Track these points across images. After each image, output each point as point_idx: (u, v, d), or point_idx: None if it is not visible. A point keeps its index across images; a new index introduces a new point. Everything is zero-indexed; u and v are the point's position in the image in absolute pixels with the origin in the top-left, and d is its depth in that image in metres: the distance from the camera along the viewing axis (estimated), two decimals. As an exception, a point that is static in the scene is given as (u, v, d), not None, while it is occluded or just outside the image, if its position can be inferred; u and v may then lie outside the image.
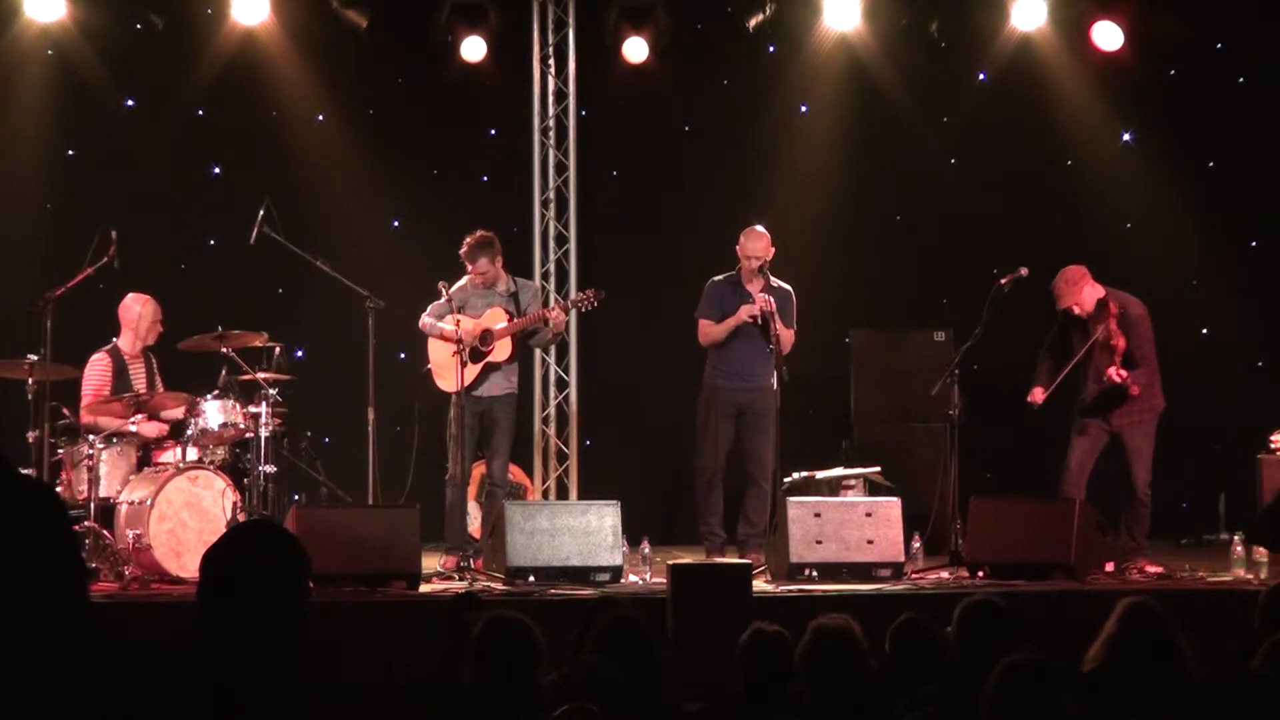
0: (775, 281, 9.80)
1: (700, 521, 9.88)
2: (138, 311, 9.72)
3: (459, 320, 9.43)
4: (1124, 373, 9.36)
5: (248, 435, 9.34)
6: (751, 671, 4.94)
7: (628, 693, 4.55)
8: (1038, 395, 9.57)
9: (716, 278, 9.94)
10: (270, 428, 9.33)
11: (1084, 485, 9.55)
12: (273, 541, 3.28)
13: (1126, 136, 12.31)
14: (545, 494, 11.72)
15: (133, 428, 9.33)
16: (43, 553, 3.83)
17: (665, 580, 7.83)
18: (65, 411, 9.45)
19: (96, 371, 9.62)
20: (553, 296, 11.51)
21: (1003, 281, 9.65)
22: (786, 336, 9.61)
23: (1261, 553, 8.72)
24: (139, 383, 9.68)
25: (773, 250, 9.78)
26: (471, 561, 9.28)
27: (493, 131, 12.26)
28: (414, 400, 10.52)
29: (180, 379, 9.74)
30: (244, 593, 3.19)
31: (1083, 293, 9.54)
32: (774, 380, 9.50)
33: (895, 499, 9.24)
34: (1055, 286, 9.61)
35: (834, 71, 11.94)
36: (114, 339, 9.78)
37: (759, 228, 9.85)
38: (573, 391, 11.85)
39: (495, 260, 9.70)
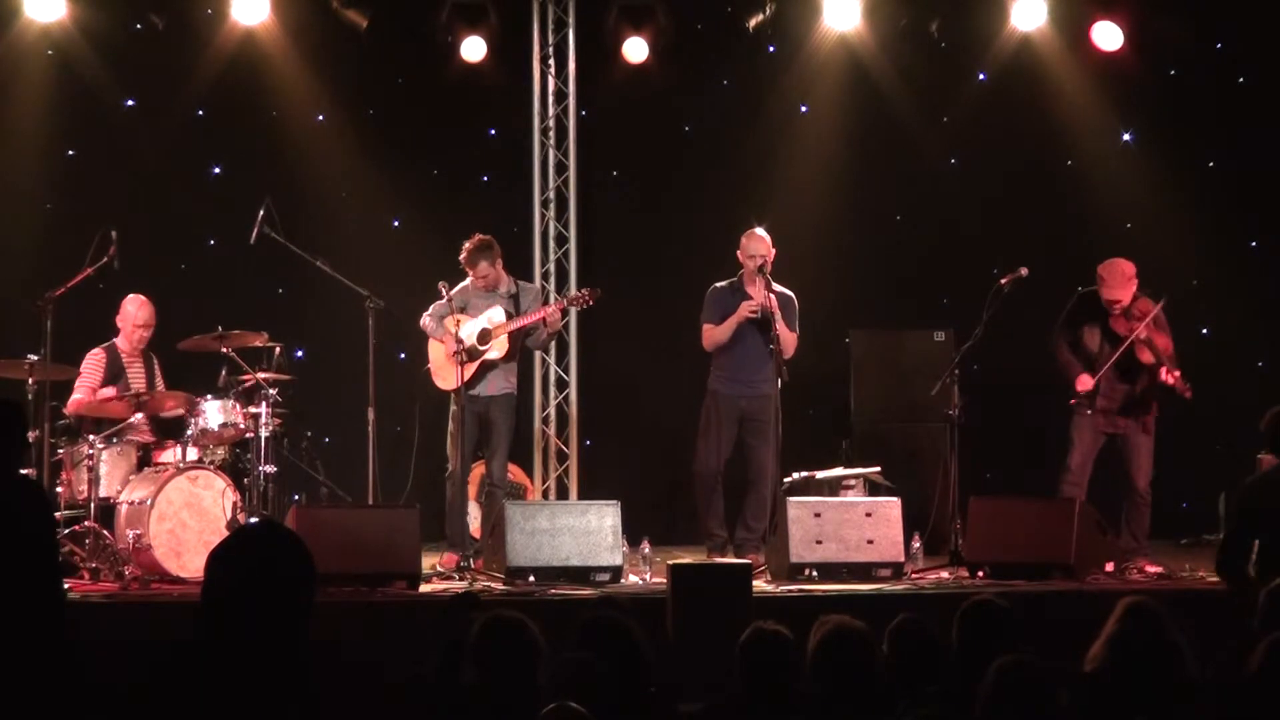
0: (777, 287, 9.78)
1: (701, 523, 9.89)
2: (127, 312, 9.75)
3: (459, 322, 9.44)
4: (1177, 373, 9.34)
5: (248, 435, 9.35)
6: (752, 671, 4.92)
7: (612, 689, 4.54)
8: (1088, 381, 9.43)
9: (718, 283, 9.92)
10: (270, 428, 9.33)
11: (1085, 485, 9.53)
12: (278, 543, 3.28)
13: (1126, 136, 12.32)
14: (545, 494, 11.71)
15: (137, 417, 9.34)
16: (25, 544, 3.81)
17: (665, 580, 7.83)
18: (65, 412, 9.46)
19: (90, 366, 9.64)
20: (553, 297, 11.49)
21: (1003, 281, 9.63)
22: (789, 338, 9.59)
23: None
24: (138, 382, 9.68)
25: (774, 251, 9.76)
26: (471, 561, 9.28)
27: (493, 131, 12.26)
28: (414, 400, 10.52)
29: (180, 379, 9.74)
30: (249, 594, 3.19)
31: (1130, 291, 9.48)
32: (776, 386, 9.50)
33: (895, 499, 9.23)
34: (1108, 274, 9.45)
35: (834, 71, 11.94)
36: (114, 338, 9.80)
37: (759, 230, 9.84)
38: (573, 391, 11.84)
39: (495, 263, 9.69)
